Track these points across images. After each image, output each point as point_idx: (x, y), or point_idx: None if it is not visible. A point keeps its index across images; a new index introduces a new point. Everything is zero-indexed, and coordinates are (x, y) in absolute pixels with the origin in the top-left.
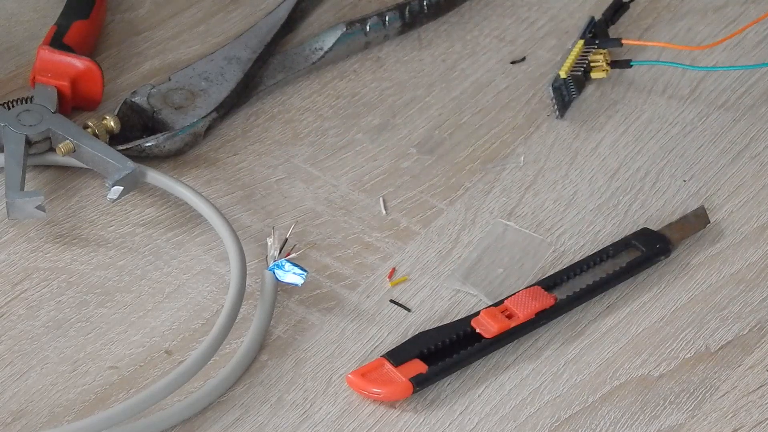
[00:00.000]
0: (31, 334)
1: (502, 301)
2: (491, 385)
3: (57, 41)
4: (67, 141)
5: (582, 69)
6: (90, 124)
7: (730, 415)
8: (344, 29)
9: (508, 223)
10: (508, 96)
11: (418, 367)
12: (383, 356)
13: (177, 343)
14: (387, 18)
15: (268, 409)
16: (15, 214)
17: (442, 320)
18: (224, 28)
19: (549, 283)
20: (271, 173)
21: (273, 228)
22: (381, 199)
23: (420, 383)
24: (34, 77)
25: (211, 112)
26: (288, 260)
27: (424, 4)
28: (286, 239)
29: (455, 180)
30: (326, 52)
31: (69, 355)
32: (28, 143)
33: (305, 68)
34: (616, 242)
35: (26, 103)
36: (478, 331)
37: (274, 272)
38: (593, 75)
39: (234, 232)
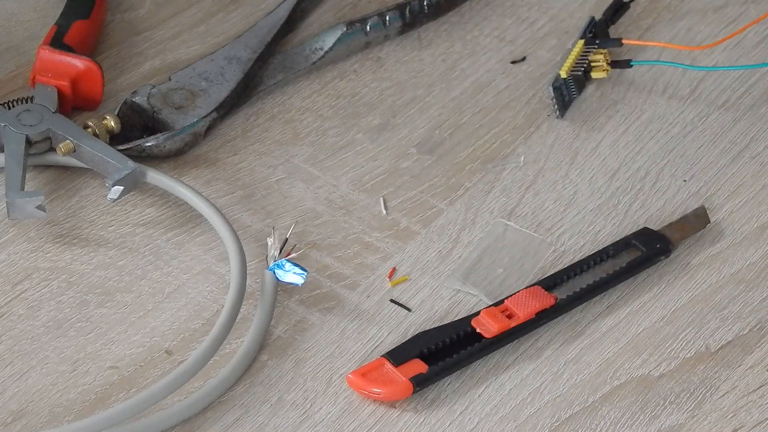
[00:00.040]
0: (32, 334)
1: (502, 301)
2: (491, 385)
3: (57, 41)
4: (68, 141)
5: (582, 69)
6: (90, 124)
7: (731, 415)
8: (344, 29)
9: (508, 223)
10: (509, 96)
11: (418, 367)
12: (383, 356)
13: (177, 343)
14: (387, 18)
15: (269, 409)
16: (15, 214)
17: (442, 320)
18: (224, 28)
19: (549, 283)
20: (272, 173)
21: (273, 228)
22: (381, 199)
23: (420, 383)
24: (34, 77)
25: (212, 112)
26: (288, 260)
27: (425, 4)
28: (287, 239)
29: (455, 180)
30: (326, 52)
31: (69, 355)
32: (29, 143)
33: (305, 68)
34: (616, 242)
35: (26, 103)
36: (478, 331)
37: (274, 272)
38: (593, 75)
39: (234, 232)
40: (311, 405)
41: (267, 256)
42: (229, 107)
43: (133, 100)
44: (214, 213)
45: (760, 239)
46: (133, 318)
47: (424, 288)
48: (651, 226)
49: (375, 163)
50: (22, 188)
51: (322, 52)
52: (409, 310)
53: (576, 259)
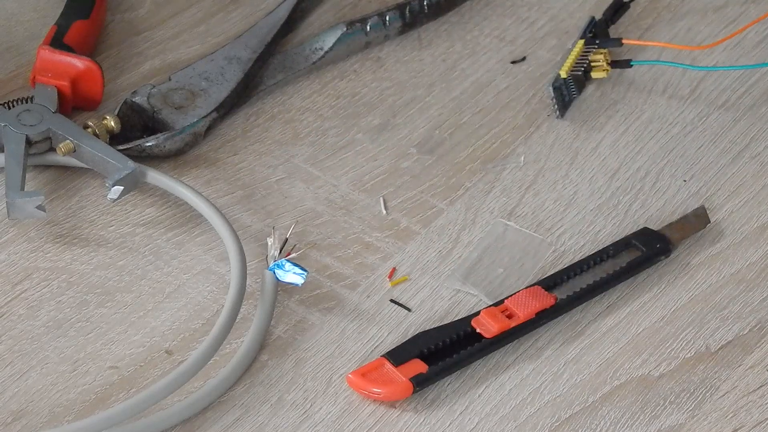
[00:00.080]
0: (32, 334)
1: (502, 301)
2: (491, 385)
3: (57, 41)
4: (68, 141)
5: (582, 69)
6: (90, 124)
7: (731, 415)
8: (344, 29)
9: (508, 223)
10: (509, 96)
11: (418, 367)
12: (383, 356)
13: (177, 343)
14: (387, 18)
15: (269, 409)
16: (15, 214)
17: (442, 320)
18: (224, 28)
19: (549, 283)
20: (272, 173)
21: (273, 228)
22: (381, 199)
23: (420, 383)
24: (34, 77)
25: (212, 112)
26: (288, 260)
27: (425, 4)
28: (287, 239)
29: (455, 180)
30: (326, 52)
31: (69, 355)
32: (29, 143)
33: (305, 68)
34: (617, 242)
35: (26, 103)
36: (478, 331)
37: (274, 272)
38: (593, 75)
39: (234, 232)
40: (311, 405)
41: (267, 256)
42: (229, 107)
43: (133, 100)
44: (214, 213)
45: (760, 239)
46: (133, 318)
47: (424, 288)
48: (651, 226)
49: (375, 163)
50: (22, 188)
51: (322, 52)
52: (409, 310)
53: (576, 259)
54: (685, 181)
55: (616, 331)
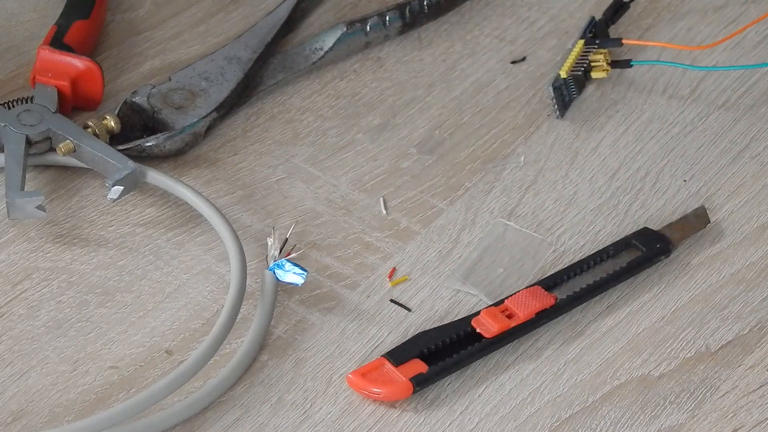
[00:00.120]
0: (32, 334)
1: (502, 301)
2: (491, 385)
3: (57, 41)
4: (68, 141)
5: (582, 69)
6: (90, 124)
7: (731, 415)
8: (344, 29)
9: (508, 222)
10: (509, 96)
11: (418, 367)
12: (383, 356)
13: (177, 343)
14: (387, 18)
15: (269, 409)
16: (15, 214)
17: (442, 320)
18: (224, 28)
19: (549, 283)
20: (272, 173)
21: (273, 228)
22: (381, 199)
23: (420, 383)
24: (34, 77)
25: (212, 112)
26: (288, 260)
27: (425, 4)
28: (287, 239)
29: (455, 180)
30: (326, 52)
31: (69, 355)
32: (29, 143)
33: (305, 68)
34: (617, 242)
35: (26, 103)
36: (478, 330)
37: (274, 272)
38: (593, 75)
39: (234, 232)
40: (311, 405)
41: (267, 256)
42: (229, 107)
43: (133, 100)
44: (214, 213)
45: (760, 239)
46: (133, 318)
47: (424, 288)
48: (651, 226)
49: (375, 163)
50: (22, 188)
51: (322, 52)
52: (409, 310)
53: (576, 259)
54: (685, 181)
55: (616, 331)
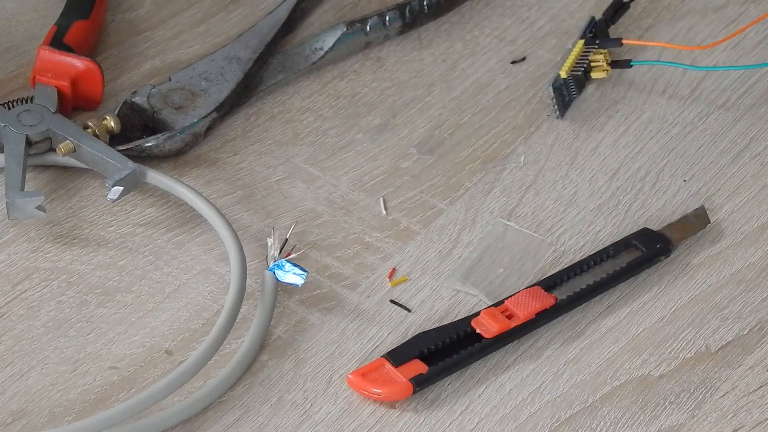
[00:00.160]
0: (32, 334)
1: (502, 301)
2: (491, 385)
3: (57, 41)
4: (68, 141)
5: (582, 69)
6: (90, 124)
7: (731, 415)
8: (344, 29)
9: (508, 223)
10: (509, 96)
11: (418, 367)
12: (383, 356)
13: (177, 343)
14: (387, 18)
15: (269, 409)
16: (15, 214)
17: (442, 320)
18: (224, 28)
19: (549, 283)
20: (272, 173)
21: (273, 228)
22: (381, 199)
23: (420, 383)
24: (34, 77)
25: (212, 112)
26: (288, 260)
27: (425, 4)
28: (287, 239)
29: (455, 180)
30: (326, 52)
31: (69, 355)
32: (29, 143)
33: (305, 68)
34: (617, 242)
35: (26, 103)
36: (478, 331)
37: (274, 272)
38: (593, 75)
39: (234, 232)
40: (311, 405)
41: (267, 257)
42: (229, 107)
43: (133, 100)
44: (214, 213)
45: (760, 239)
46: (133, 318)
47: (424, 288)
48: (651, 226)
49: (375, 163)
50: (22, 188)
51: (322, 52)
52: (409, 310)
53: (576, 259)
54: (685, 181)
55: (616, 331)
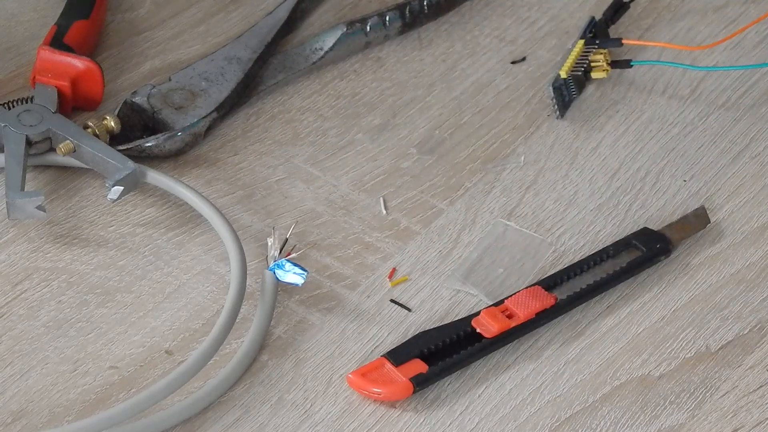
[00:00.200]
0: (32, 334)
1: (502, 301)
2: (491, 385)
3: (57, 41)
4: (68, 141)
5: (582, 69)
6: (90, 124)
7: (731, 415)
8: (344, 29)
9: (508, 223)
10: (509, 96)
11: (418, 367)
12: (383, 356)
13: (177, 343)
14: (387, 18)
15: (269, 409)
16: (15, 214)
17: (442, 320)
18: (224, 28)
19: (549, 283)
20: (272, 173)
21: (273, 228)
22: (381, 199)
23: (420, 383)
24: (34, 77)
25: (212, 112)
26: (288, 260)
27: (425, 4)
28: (287, 239)
29: (455, 180)
30: (326, 52)
31: (69, 355)
32: (29, 143)
33: (305, 68)
34: (617, 242)
35: (26, 103)
36: (478, 331)
37: (274, 272)
38: (593, 75)
39: (234, 232)
40: (311, 405)
41: (267, 256)
42: (229, 107)
43: (133, 100)
44: (214, 213)
45: (760, 239)
46: (134, 318)
47: (424, 288)
48: (651, 226)
49: (375, 163)
50: (22, 188)
51: (322, 52)
52: (409, 310)
53: (576, 259)
54: (685, 181)
55: (616, 331)
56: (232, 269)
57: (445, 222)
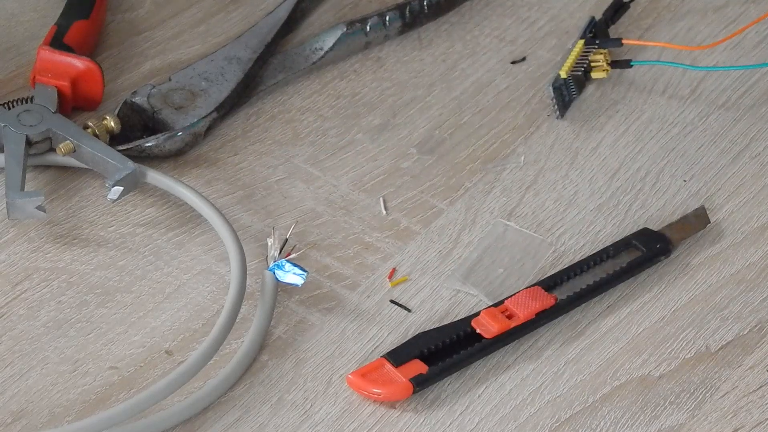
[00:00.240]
0: (32, 334)
1: (502, 302)
2: (491, 385)
3: (57, 41)
4: (68, 141)
5: (582, 69)
6: (90, 124)
7: (731, 415)
8: (344, 29)
9: (508, 223)
10: (509, 96)
11: (418, 367)
12: (383, 356)
13: (177, 343)
14: (387, 18)
15: (269, 409)
16: (15, 214)
17: (442, 320)
18: (224, 28)
19: (549, 283)
20: (272, 173)
21: (273, 228)
22: (381, 199)
23: (420, 383)
24: (34, 77)
25: (212, 112)
26: (288, 260)
27: (425, 4)
28: (287, 239)
29: (455, 180)
30: (326, 52)
31: (69, 356)
32: (29, 143)
33: (305, 68)
34: (617, 242)
35: (26, 103)
36: (478, 331)
37: (274, 272)
38: (593, 75)
39: (234, 233)
40: (311, 405)
41: (267, 257)
42: (229, 107)
43: (133, 100)
44: (214, 213)
45: (760, 239)
46: (133, 318)
47: (424, 288)
48: (651, 226)
49: (375, 163)
50: (22, 188)
51: (322, 52)
52: (409, 310)
53: (576, 260)
54: (685, 181)
55: (616, 331)
56: (232, 269)
57: (445, 222)
